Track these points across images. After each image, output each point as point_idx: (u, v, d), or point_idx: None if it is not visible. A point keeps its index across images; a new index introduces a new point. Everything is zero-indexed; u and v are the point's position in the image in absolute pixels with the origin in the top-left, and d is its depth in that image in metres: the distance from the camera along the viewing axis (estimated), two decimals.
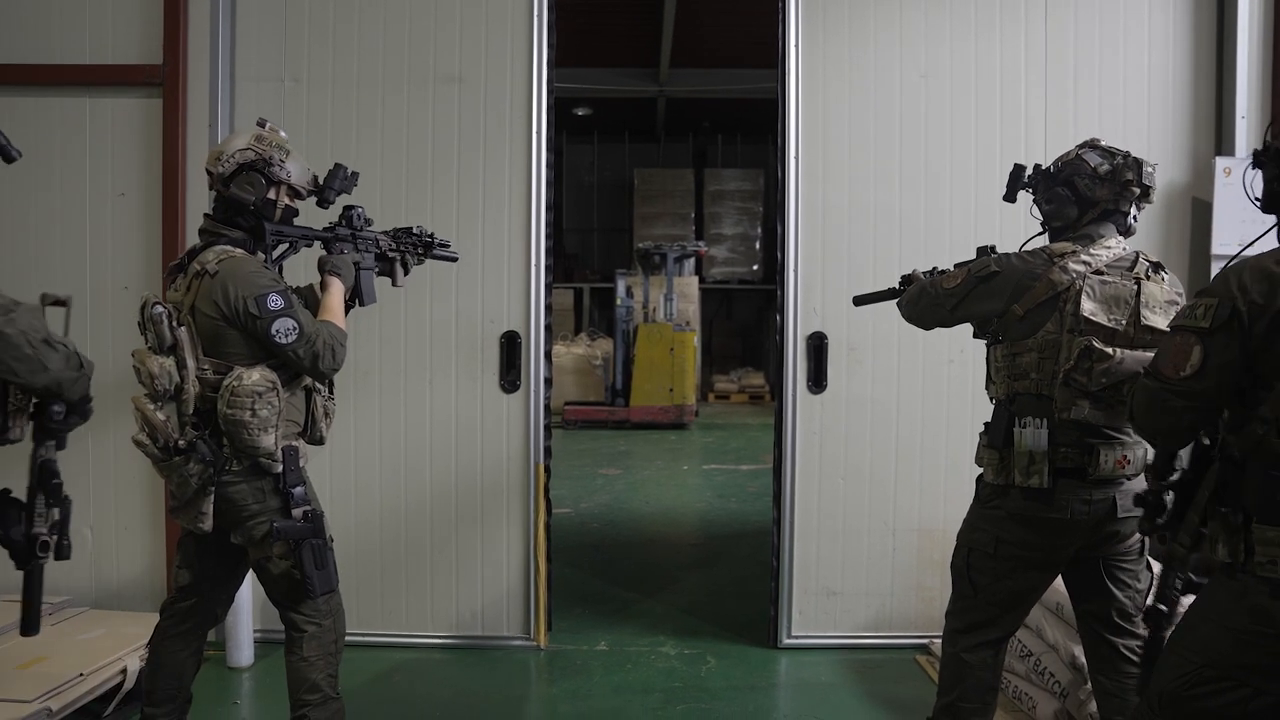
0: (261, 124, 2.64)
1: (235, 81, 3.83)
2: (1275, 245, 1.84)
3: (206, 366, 2.45)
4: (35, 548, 2.02)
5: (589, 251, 14.89)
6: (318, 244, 2.71)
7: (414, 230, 2.88)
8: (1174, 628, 1.96)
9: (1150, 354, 2.24)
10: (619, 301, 10.83)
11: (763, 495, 6.76)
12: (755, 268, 13.85)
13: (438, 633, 3.94)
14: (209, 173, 2.56)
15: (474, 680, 3.66)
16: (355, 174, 2.72)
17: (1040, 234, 2.66)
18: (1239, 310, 1.75)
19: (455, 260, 3.05)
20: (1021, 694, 3.26)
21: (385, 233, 2.84)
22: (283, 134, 2.65)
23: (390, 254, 2.82)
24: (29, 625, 2.10)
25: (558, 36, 3.91)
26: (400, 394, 3.90)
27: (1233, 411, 1.82)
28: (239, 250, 2.53)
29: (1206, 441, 1.90)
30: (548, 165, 3.88)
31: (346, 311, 2.67)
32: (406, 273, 2.87)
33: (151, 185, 3.78)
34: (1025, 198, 2.70)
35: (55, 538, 2.05)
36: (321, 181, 2.69)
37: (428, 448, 3.90)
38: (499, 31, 3.85)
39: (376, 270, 2.79)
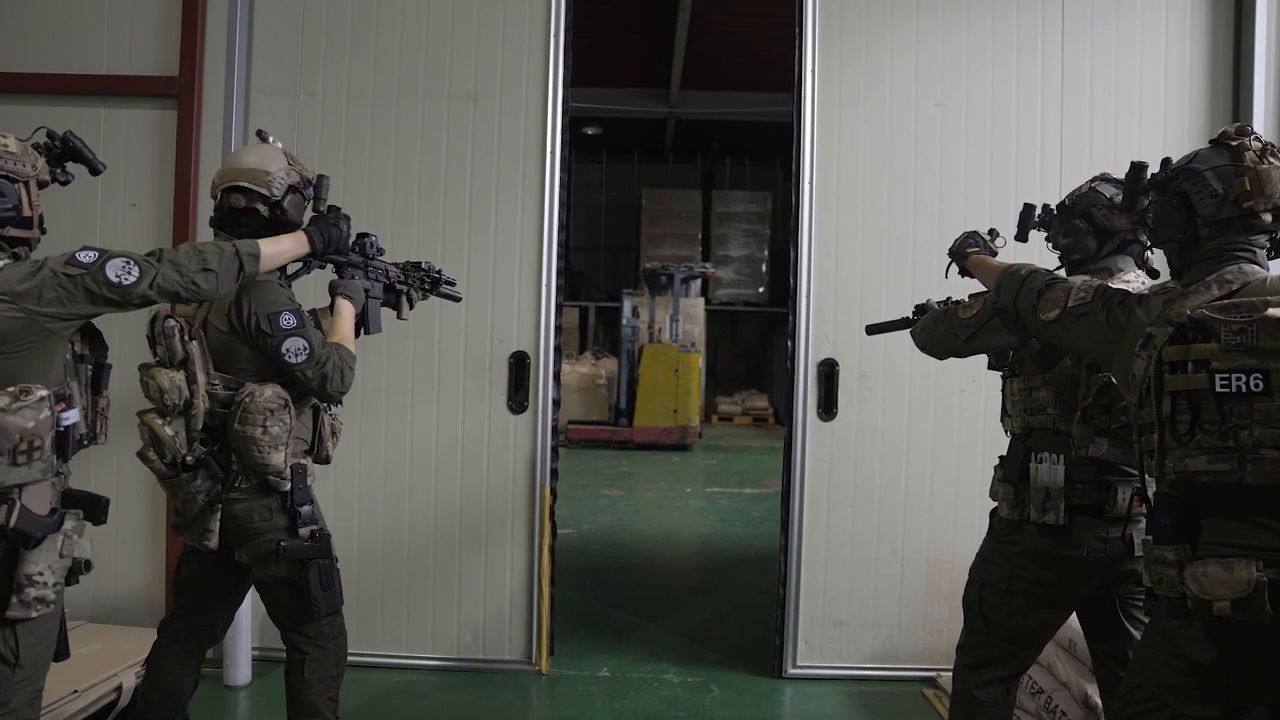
0: (264, 137, 2.63)
1: (250, 95, 3.83)
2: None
3: (217, 382, 2.43)
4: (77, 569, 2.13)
5: (595, 270, 14.88)
6: (329, 267, 2.71)
7: (423, 265, 2.92)
8: None
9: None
10: (624, 321, 10.82)
11: (766, 520, 6.72)
12: (761, 290, 13.83)
13: (438, 654, 3.89)
14: (249, 191, 2.50)
15: (474, 704, 3.61)
16: (326, 182, 2.71)
17: (1056, 270, 2.64)
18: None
19: (459, 300, 3.09)
20: None
21: (395, 265, 2.85)
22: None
23: (399, 286, 2.84)
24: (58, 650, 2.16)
25: (572, 58, 3.91)
26: (407, 412, 3.87)
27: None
28: None
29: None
30: (561, 185, 3.87)
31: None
32: (411, 307, 2.89)
33: (164, 197, 3.77)
34: (1037, 237, 2.69)
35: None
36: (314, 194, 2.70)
37: (433, 467, 3.87)
38: (515, 51, 3.85)
39: (382, 301, 2.81)
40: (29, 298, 1.92)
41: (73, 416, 2.03)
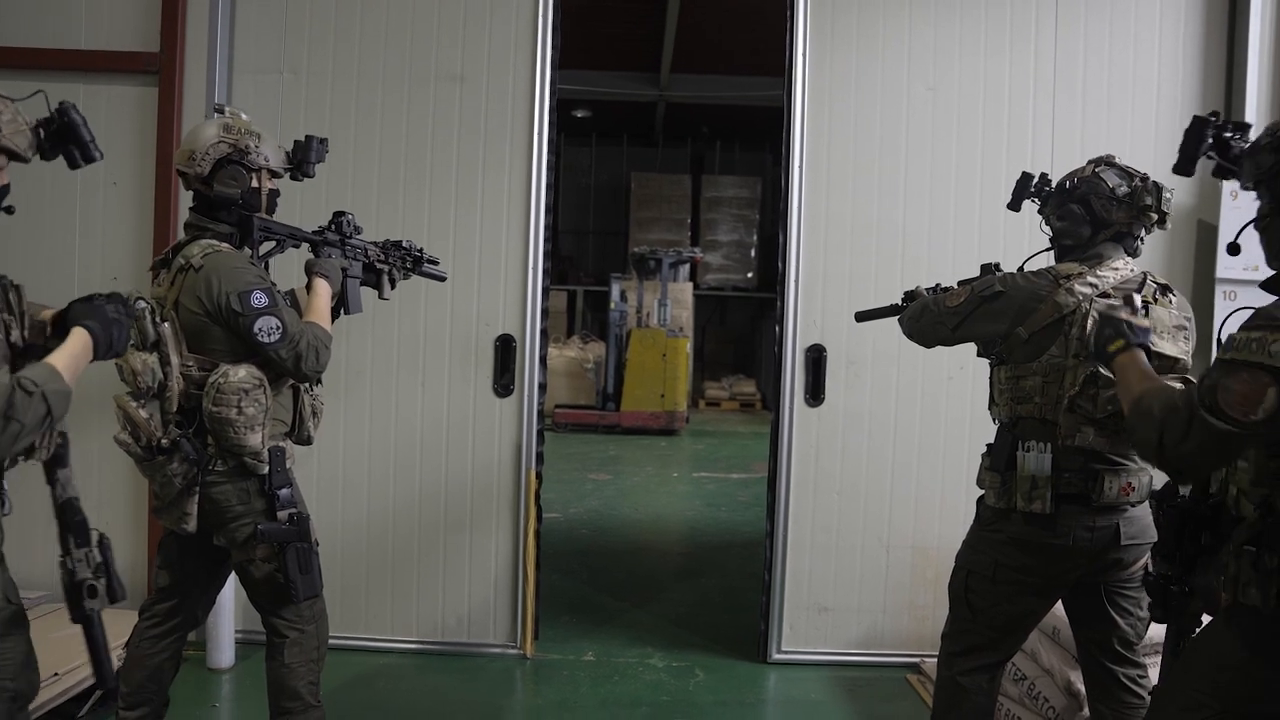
0: (220, 110, 2.56)
1: (233, 72, 3.77)
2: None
3: (191, 363, 2.39)
4: (83, 594, 1.85)
5: (584, 254, 14.81)
6: (305, 246, 2.66)
7: (403, 244, 2.85)
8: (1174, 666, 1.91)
9: (1163, 381, 2.09)
10: (613, 305, 10.77)
11: (753, 505, 6.72)
12: (750, 275, 13.81)
13: (422, 638, 3.88)
14: (182, 173, 2.48)
15: (457, 688, 3.60)
16: (325, 140, 2.65)
17: (1044, 251, 2.62)
18: None
19: (443, 279, 3.03)
20: (1015, 718, 3.21)
21: (374, 244, 2.79)
22: (244, 116, 2.56)
23: (378, 265, 2.79)
24: (101, 679, 1.94)
25: (560, 38, 3.86)
26: (391, 395, 3.84)
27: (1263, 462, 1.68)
28: (225, 245, 2.47)
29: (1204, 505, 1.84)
30: (549, 167, 3.83)
31: (333, 318, 2.61)
32: (393, 286, 2.84)
33: (145, 175, 3.72)
34: (1028, 210, 2.66)
35: (103, 580, 1.87)
36: (295, 157, 2.61)
37: (418, 450, 3.84)
38: (503, 31, 3.80)
39: (362, 280, 2.75)
40: None
41: None
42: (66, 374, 1.80)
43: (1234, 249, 1.90)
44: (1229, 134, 1.98)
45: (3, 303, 1.86)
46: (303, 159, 2.60)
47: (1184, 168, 2.06)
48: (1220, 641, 1.75)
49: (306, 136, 2.62)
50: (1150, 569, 2.02)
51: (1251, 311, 1.65)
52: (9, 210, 1.87)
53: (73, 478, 1.92)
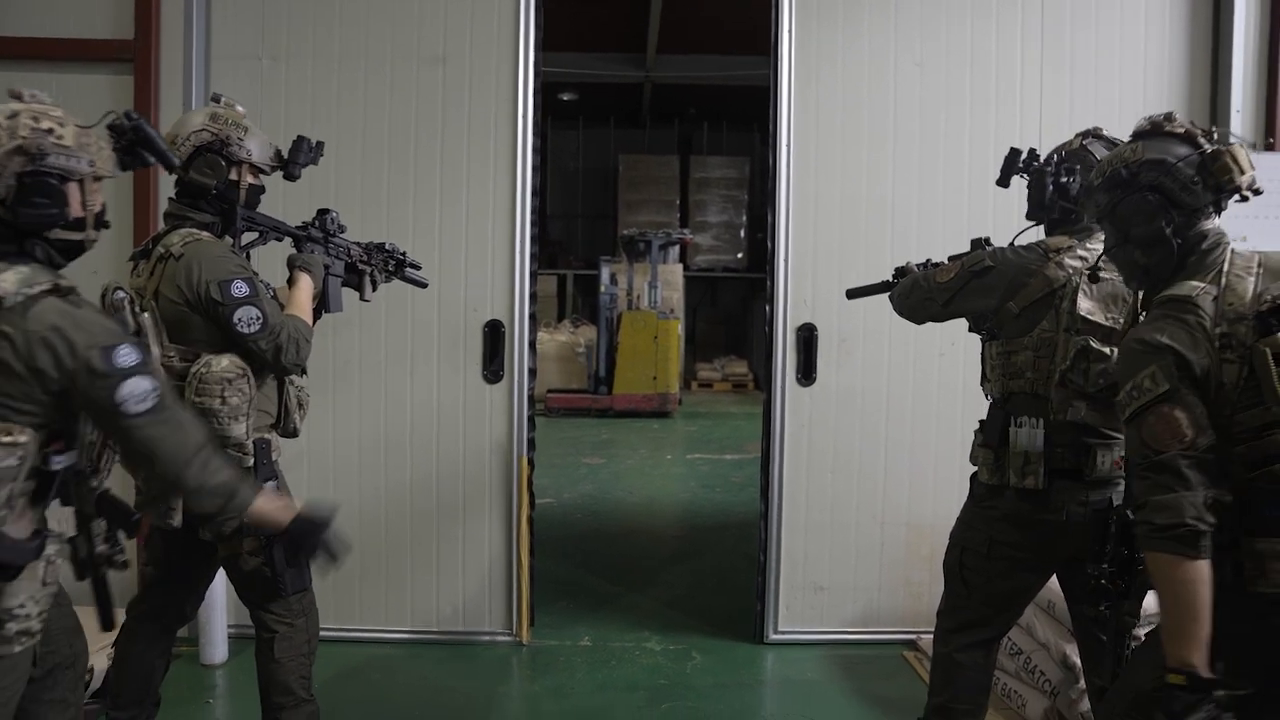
0: (216, 99, 2.53)
1: (211, 58, 3.72)
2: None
3: (173, 354, 2.36)
4: (104, 564, 1.99)
5: (573, 238, 14.75)
6: (288, 240, 2.63)
7: (386, 246, 2.83)
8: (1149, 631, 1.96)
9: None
10: (603, 289, 10.72)
11: (747, 486, 6.71)
12: (740, 256, 13.76)
13: (417, 628, 3.86)
14: None
15: (454, 677, 3.58)
16: (320, 144, 2.62)
17: (1033, 226, 2.60)
18: (1180, 363, 1.77)
19: (424, 286, 3.02)
20: (1011, 692, 3.22)
21: (357, 244, 2.77)
22: (239, 109, 2.52)
23: (361, 266, 2.76)
24: (105, 621, 2.08)
25: (544, 19, 3.81)
26: (381, 383, 3.80)
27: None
28: (205, 234, 2.43)
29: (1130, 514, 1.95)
30: (534, 150, 3.79)
31: (314, 317, 2.58)
32: (375, 289, 2.81)
33: None
34: (1017, 185, 2.63)
35: (115, 550, 2.01)
36: (286, 156, 2.57)
37: (408, 438, 3.81)
38: (485, 12, 3.75)
39: (344, 280, 2.73)
40: None
41: (64, 460, 1.82)
42: None
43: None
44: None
45: None
46: (291, 159, 2.57)
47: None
48: None
49: (299, 137, 2.58)
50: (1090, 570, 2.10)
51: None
52: (107, 225, 1.93)
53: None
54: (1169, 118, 1.95)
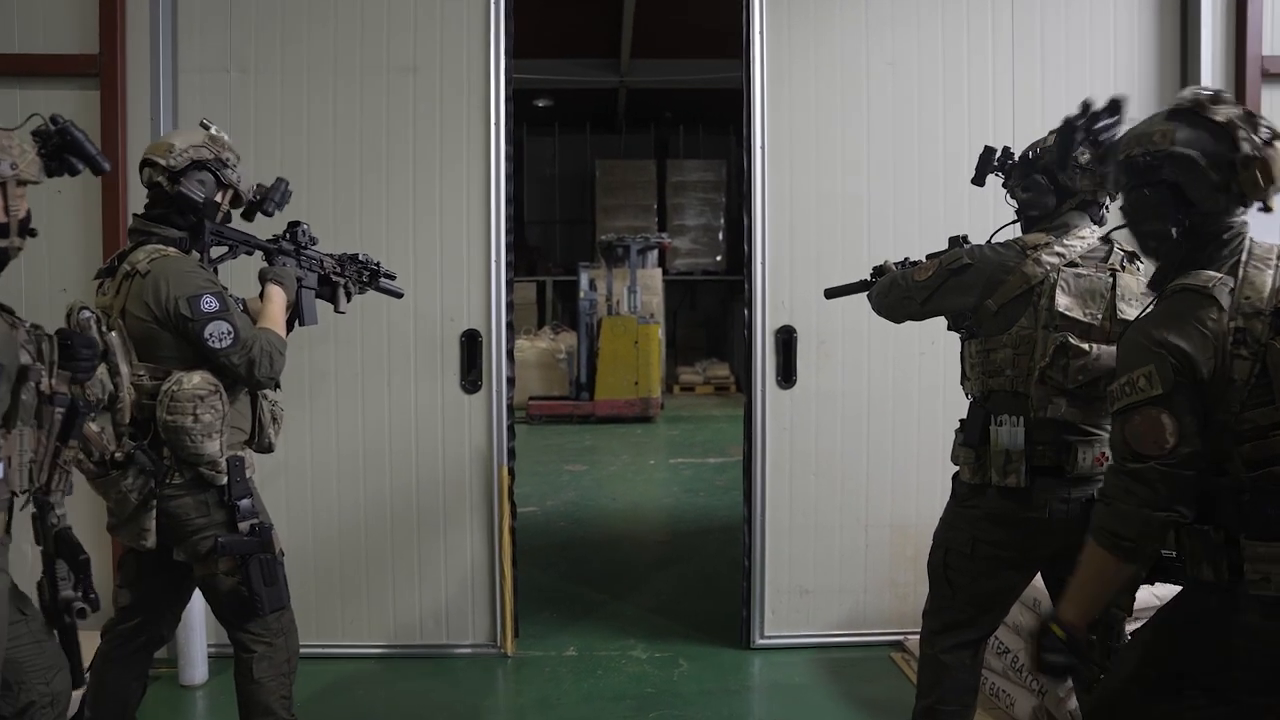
0: (206, 126, 2.54)
1: (178, 72, 3.67)
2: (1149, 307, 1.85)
3: (142, 372, 2.32)
4: (66, 611, 1.97)
5: (551, 244, 14.72)
6: (258, 254, 2.61)
7: (360, 257, 2.82)
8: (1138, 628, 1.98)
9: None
10: (582, 294, 10.69)
11: (731, 489, 6.70)
12: (719, 258, 13.78)
13: (400, 642, 3.81)
14: (153, 163, 2.43)
15: (438, 691, 3.54)
16: (290, 190, 2.66)
17: (1011, 224, 2.60)
18: (1180, 365, 1.71)
19: (400, 296, 3.02)
20: (999, 691, 3.21)
21: (330, 255, 2.76)
22: (226, 138, 2.55)
23: (334, 278, 2.75)
24: (75, 678, 2.06)
25: (515, 25, 3.78)
26: (358, 395, 3.76)
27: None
28: (172, 249, 2.40)
29: None
30: (507, 157, 3.76)
31: (287, 330, 2.55)
32: (349, 299, 2.81)
33: (90, 182, 3.55)
34: (993, 182, 2.64)
35: (81, 595, 1.99)
36: (259, 194, 2.60)
37: (387, 452, 3.77)
38: (455, 20, 3.72)
39: (317, 293, 2.71)
40: None
41: None
42: None
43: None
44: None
45: (36, 353, 1.89)
46: (265, 198, 2.59)
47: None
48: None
49: (279, 179, 2.63)
50: None
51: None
52: (33, 233, 1.92)
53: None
54: (1217, 98, 1.76)
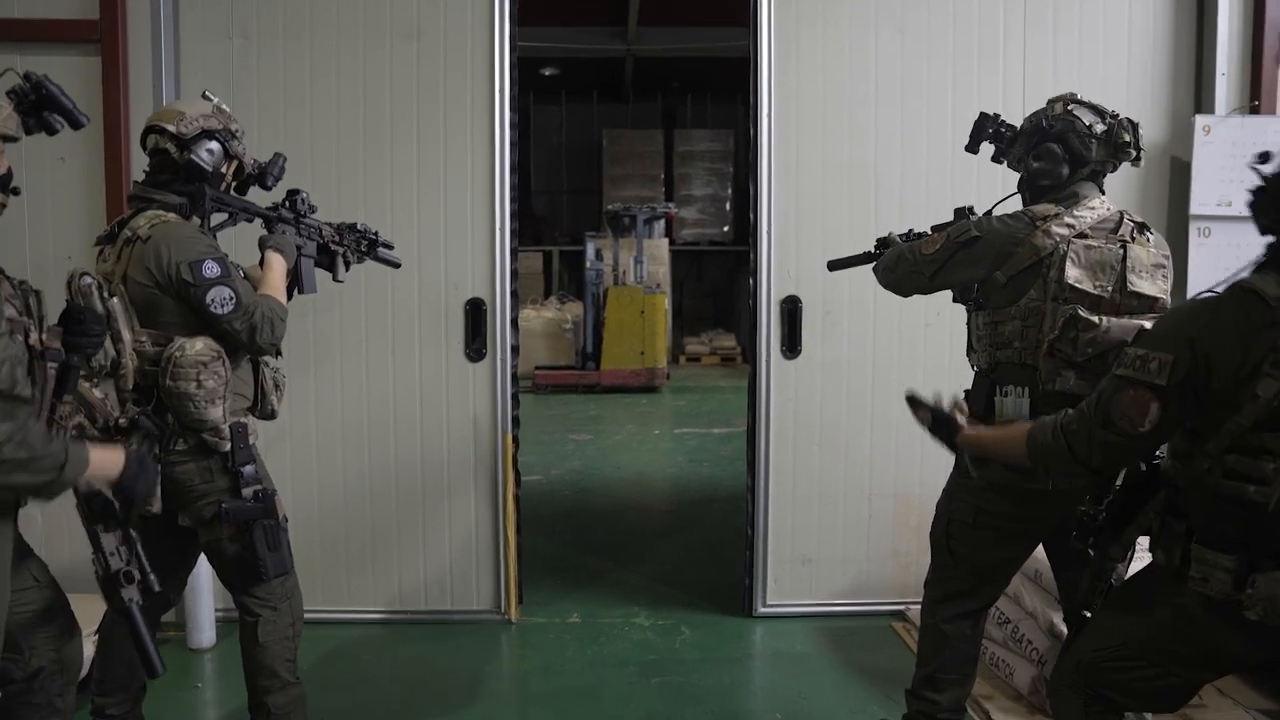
0: (209, 98, 2.54)
1: (180, 38, 3.63)
2: (1209, 289, 1.81)
3: (144, 338, 2.32)
4: (119, 582, 1.94)
5: (558, 214, 14.66)
6: (257, 222, 2.62)
7: (358, 227, 2.82)
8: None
9: (1138, 321, 2.22)
10: (588, 264, 10.67)
11: (735, 459, 6.70)
12: (725, 229, 13.72)
13: (405, 608, 3.85)
14: (161, 130, 2.42)
15: (443, 656, 3.58)
16: (286, 163, 2.68)
17: (1013, 195, 2.57)
18: (1196, 365, 1.71)
19: (398, 266, 3.02)
20: (999, 661, 3.23)
21: (329, 225, 2.76)
22: (229, 110, 2.57)
23: (333, 247, 2.75)
24: (147, 667, 1.99)
25: None
26: (362, 364, 3.77)
27: (1177, 441, 1.85)
28: (173, 215, 2.40)
29: (1143, 467, 1.97)
30: (512, 125, 3.73)
31: (287, 298, 2.56)
32: (347, 269, 2.80)
33: (93, 149, 3.58)
34: (985, 150, 2.62)
35: (136, 572, 1.95)
36: (262, 168, 2.62)
37: (392, 419, 3.78)
38: None
39: (316, 261, 2.72)
40: None
41: None
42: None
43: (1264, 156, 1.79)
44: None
45: (24, 307, 1.86)
46: (265, 171, 2.60)
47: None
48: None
49: (277, 154, 2.65)
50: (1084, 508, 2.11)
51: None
52: (15, 191, 1.88)
53: None
54: None
